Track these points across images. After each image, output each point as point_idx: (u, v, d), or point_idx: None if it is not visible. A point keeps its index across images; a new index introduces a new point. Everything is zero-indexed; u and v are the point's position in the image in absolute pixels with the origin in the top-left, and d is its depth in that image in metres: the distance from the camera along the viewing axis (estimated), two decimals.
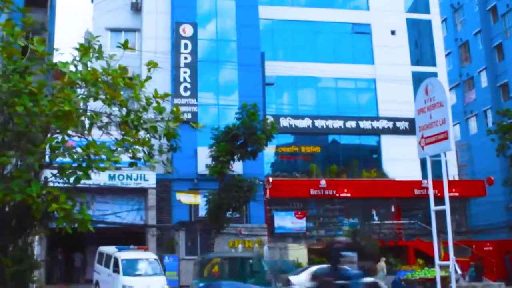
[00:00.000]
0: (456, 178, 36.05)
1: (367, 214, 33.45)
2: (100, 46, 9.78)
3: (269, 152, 33.76)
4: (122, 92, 9.99)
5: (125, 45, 10.21)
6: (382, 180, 33.69)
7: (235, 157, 26.49)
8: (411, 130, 32.87)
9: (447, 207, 12.38)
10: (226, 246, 28.06)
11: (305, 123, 34.66)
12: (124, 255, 22.49)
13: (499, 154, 34.44)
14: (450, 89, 48.49)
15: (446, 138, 12.41)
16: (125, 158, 10.03)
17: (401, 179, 33.50)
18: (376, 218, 33.29)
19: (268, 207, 31.79)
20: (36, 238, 24.74)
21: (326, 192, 32.40)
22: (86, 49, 9.32)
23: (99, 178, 27.46)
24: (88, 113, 9.48)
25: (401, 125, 35.60)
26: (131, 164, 10.44)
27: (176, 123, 10.25)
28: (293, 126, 34.51)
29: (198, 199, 28.08)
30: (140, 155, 10.18)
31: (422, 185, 32.26)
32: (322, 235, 32.64)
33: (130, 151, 9.94)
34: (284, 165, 35.07)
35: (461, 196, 34.28)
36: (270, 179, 31.10)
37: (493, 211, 36.88)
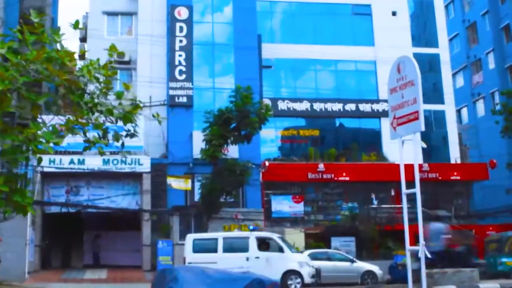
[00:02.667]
0: (459, 161, 35.44)
1: (367, 198, 32.90)
2: (59, 28, 9.51)
3: (273, 136, 33.64)
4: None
5: (75, 25, 9.93)
6: (382, 164, 33.06)
7: (228, 141, 26.21)
8: None
9: (417, 190, 12.10)
10: (221, 231, 27.76)
11: (303, 106, 34.13)
12: (274, 235, 22.38)
13: (504, 136, 33.87)
14: (458, 71, 47.64)
15: (417, 118, 11.96)
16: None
17: None
18: (375, 202, 32.78)
19: (266, 191, 31.45)
20: (28, 222, 24.82)
21: (324, 176, 31.96)
22: (30, 29, 9.02)
23: (93, 163, 27.76)
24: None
25: None
26: (85, 148, 10.18)
27: (135, 111, 9.94)
28: (291, 109, 34.00)
29: (188, 184, 27.76)
30: (91, 136, 9.90)
31: (423, 169, 31.63)
32: (320, 219, 32.23)
33: (81, 133, 9.69)
34: (282, 149, 34.68)
35: (463, 180, 33.73)
36: (267, 163, 30.69)
37: (497, 195, 36.28)
